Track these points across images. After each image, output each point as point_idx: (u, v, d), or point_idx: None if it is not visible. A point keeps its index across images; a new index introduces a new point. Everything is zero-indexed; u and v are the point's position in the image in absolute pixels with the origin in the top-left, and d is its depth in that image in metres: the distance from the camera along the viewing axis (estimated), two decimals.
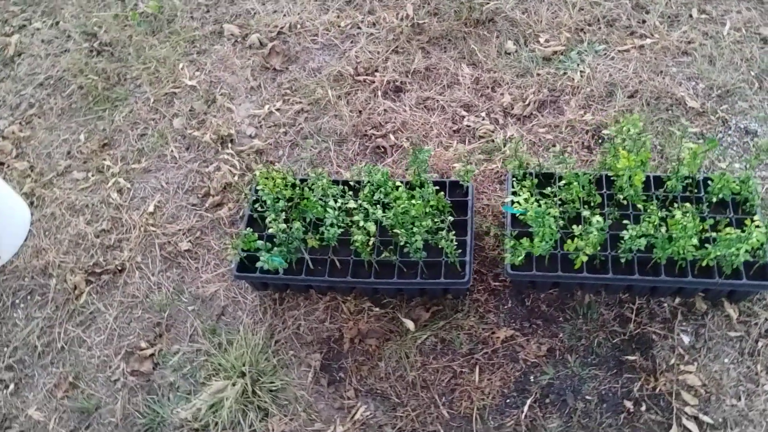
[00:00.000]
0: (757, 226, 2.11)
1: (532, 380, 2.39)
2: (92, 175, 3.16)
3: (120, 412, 2.48)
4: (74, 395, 2.55)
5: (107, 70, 3.57)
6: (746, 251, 2.10)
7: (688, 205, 2.25)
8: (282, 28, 3.64)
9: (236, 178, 3.04)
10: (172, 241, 2.89)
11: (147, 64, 3.56)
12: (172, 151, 3.20)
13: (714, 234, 2.29)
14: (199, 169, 3.12)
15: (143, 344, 2.63)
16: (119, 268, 2.84)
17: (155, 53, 3.60)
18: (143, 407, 2.49)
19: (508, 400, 2.36)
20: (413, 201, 2.29)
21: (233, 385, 2.43)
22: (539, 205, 2.20)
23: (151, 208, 2.99)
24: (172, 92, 3.44)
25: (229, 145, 3.18)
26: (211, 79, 3.47)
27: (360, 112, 3.21)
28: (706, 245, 2.25)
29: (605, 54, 3.28)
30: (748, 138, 2.88)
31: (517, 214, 2.38)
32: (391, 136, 3.08)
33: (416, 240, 2.30)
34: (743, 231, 2.13)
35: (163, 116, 3.35)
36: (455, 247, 2.34)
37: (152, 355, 2.61)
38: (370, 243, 2.42)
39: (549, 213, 2.19)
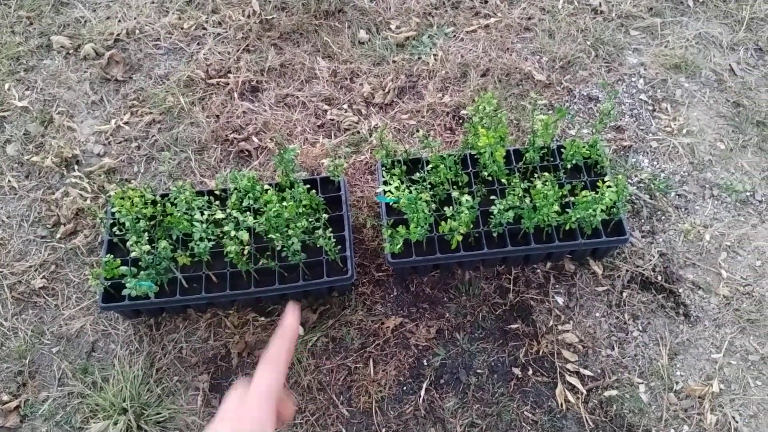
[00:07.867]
0: (608, 187, 2.26)
1: (425, 364, 2.41)
2: None
3: None
4: None
5: None
6: (602, 210, 2.24)
7: (546, 174, 2.36)
8: (118, 35, 3.38)
9: (88, 201, 2.79)
10: (23, 279, 2.61)
11: None
12: (9, 181, 2.88)
13: (573, 198, 2.42)
14: (43, 197, 2.84)
15: (5, 397, 2.37)
16: None
17: None
18: None
19: (404, 388, 2.37)
20: (284, 203, 2.22)
21: (115, 424, 2.25)
22: (410, 192, 2.21)
23: None
24: (0, 116, 3.09)
25: (75, 167, 2.91)
26: (44, 98, 3.16)
27: (217, 116, 3.06)
28: (567, 210, 2.38)
29: (455, 36, 3.37)
30: (592, 104, 3.08)
31: (391, 203, 2.38)
32: (254, 138, 2.97)
33: (293, 243, 2.23)
34: (597, 193, 2.27)
35: None
36: (334, 243, 2.30)
37: (18, 407, 2.35)
38: (245, 252, 2.32)
39: (420, 198, 2.20)
